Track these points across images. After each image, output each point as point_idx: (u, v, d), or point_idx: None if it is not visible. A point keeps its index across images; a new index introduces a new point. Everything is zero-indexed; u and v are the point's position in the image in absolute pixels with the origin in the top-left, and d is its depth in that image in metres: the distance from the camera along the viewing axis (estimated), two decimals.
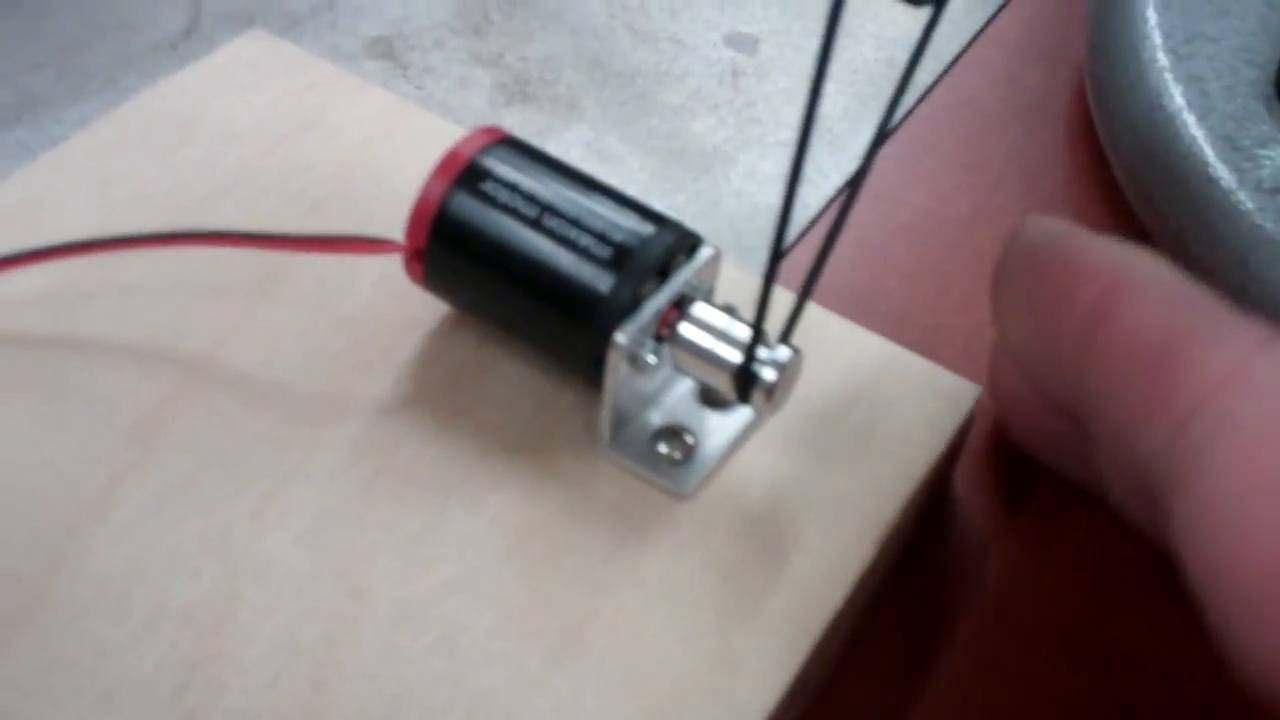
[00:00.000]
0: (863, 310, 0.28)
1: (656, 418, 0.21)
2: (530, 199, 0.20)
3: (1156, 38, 0.32)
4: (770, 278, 0.19)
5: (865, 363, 0.23)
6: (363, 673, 0.18)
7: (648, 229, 0.20)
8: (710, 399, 0.22)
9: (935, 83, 0.35)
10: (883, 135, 0.19)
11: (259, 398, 0.21)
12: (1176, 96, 0.30)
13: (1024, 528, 0.24)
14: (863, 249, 0.30)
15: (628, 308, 0.20)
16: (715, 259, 0.21)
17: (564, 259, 0.20)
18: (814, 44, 0.36)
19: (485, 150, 0.21)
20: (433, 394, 0.21)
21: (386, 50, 0.33)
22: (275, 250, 0.21)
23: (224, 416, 0.21)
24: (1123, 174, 0.31)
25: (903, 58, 0.37)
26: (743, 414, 0.22)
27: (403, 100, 0.26)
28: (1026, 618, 0.23)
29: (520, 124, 0.32)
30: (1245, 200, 0.28)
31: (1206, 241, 0.28)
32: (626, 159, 0.31)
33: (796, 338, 0.20)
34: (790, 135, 0.33)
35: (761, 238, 0.30)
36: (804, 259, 0.30)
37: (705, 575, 0.20)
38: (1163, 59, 0.31)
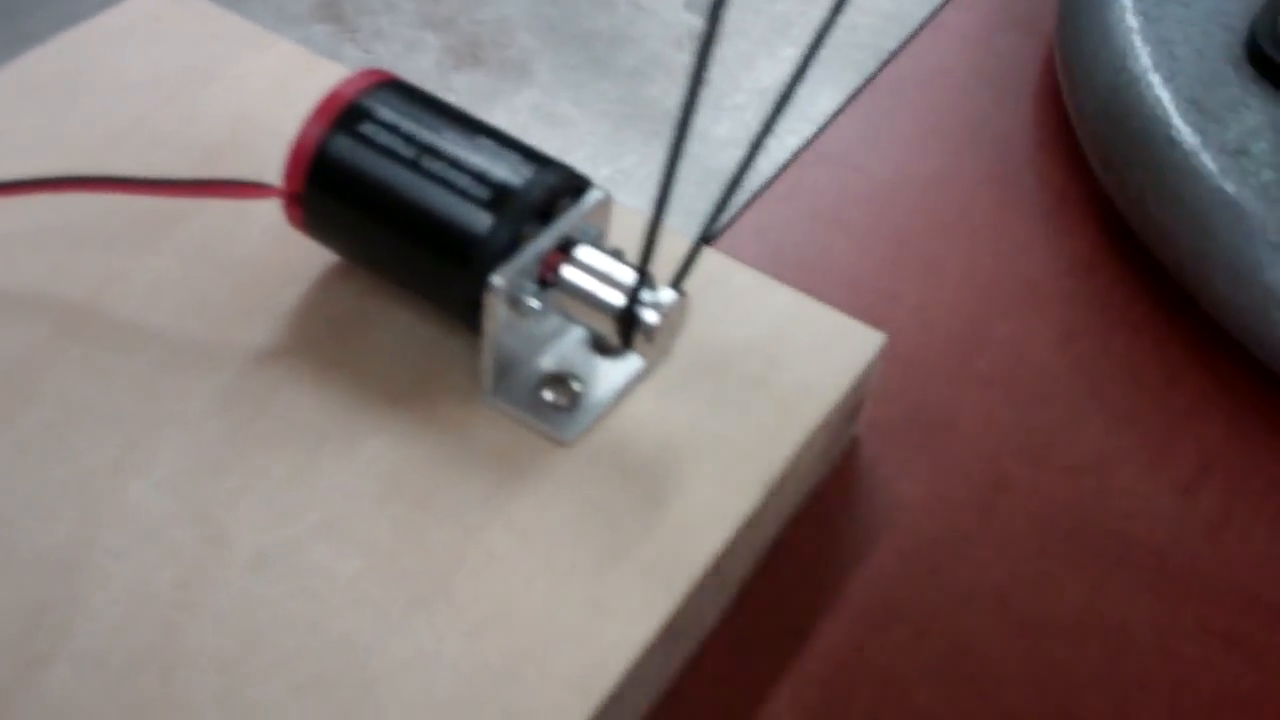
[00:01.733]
0: (814, 276, 0.28)
1: (547, 364, 0.21)
2: (409, 140, 0.20)
3: (1127, 0, 0.31)
4: (658, 218, 0.19)
5: (769, 313, 0.22)
6: (216, 618, 0.17)
7: (529, 170, 0.20)
8: (602, 346, 0.21)
9: (900, 48, 0.35)
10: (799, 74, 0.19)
11: (134, 346, 0.21)
12: (1143, 57, 0.29)
13: (953, 483, 0.24)
14: (818, 216, 0.29)
15: (507, 249, 0.19)
16: (604, 203, 0.21)
17: (441, 200, 0.20)
18: (774, 8, 0.36)
19: (366, 92, 0.20)
20: (313, 342, 0.21)
21: (334, 13, 0.33)
22: (147, 195, 0.21)
23: (97, 364, 0.20)
24: (1087, 138, 0.31)
25: (865, 22, 0.36)
26: (633, 362, 0.21)
27: (306, 51, 0.26)
28: (963, 577, 0.22)
29: (469, 87, 0.31)
30: (1207, 162, 0.27)
31: (1166, 204, 0.27)
32: (577, 122, 0.30)
33: (701, 291, 0.20)
34: (745, 99, 0.32)
35: (712, 202, 0.29)
36: (754, 223, 0.29)
37: (582, 520, 0.19)
38: (1131, 20, 0.30)
